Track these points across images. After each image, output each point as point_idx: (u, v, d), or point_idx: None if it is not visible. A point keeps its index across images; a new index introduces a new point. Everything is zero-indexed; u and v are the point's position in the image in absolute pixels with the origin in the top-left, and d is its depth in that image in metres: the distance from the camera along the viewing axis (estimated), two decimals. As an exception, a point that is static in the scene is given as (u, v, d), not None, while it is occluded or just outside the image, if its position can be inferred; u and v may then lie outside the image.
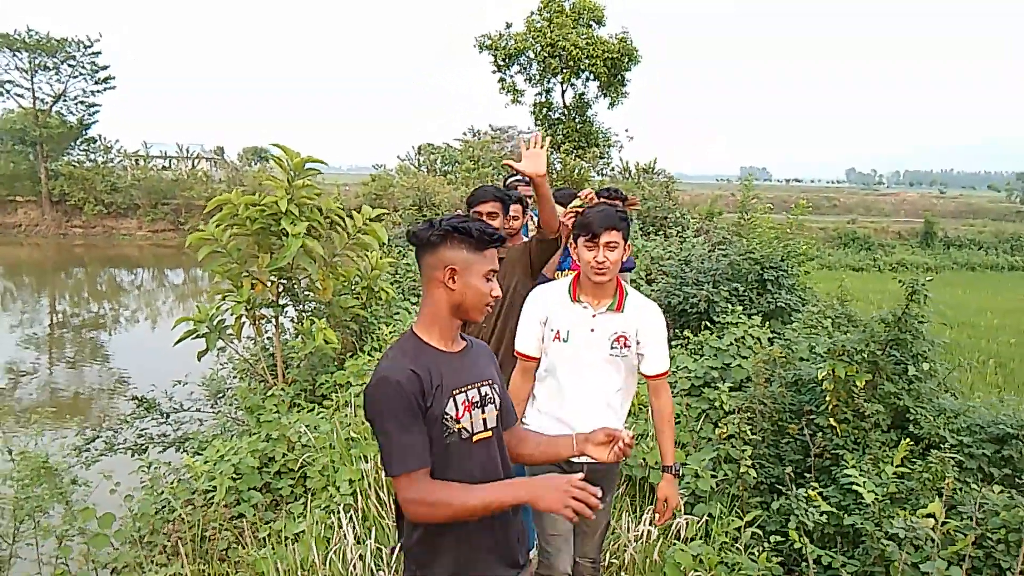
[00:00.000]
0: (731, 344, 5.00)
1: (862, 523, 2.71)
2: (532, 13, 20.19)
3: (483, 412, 1.71)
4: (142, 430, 6.43)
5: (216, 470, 4.18)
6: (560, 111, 21.16)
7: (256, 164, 47.24)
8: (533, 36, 19.75)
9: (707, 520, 3.28)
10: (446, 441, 1.61)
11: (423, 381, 1.58)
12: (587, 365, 2.37)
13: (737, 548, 2.99)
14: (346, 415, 4.69)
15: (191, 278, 25.41)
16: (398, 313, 7.53)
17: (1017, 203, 56.94)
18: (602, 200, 3.16)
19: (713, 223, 9.91)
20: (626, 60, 20.23)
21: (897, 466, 2.73)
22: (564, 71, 20.03)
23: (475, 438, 1.68)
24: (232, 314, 5.80)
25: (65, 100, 33.72)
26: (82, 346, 14.08)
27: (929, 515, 2.47)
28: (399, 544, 1.74)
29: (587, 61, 19.63)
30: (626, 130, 22.55)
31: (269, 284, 5.90)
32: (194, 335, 5.67)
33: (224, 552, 3.37)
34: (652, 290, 6.96)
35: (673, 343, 5.95)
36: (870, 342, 3.43)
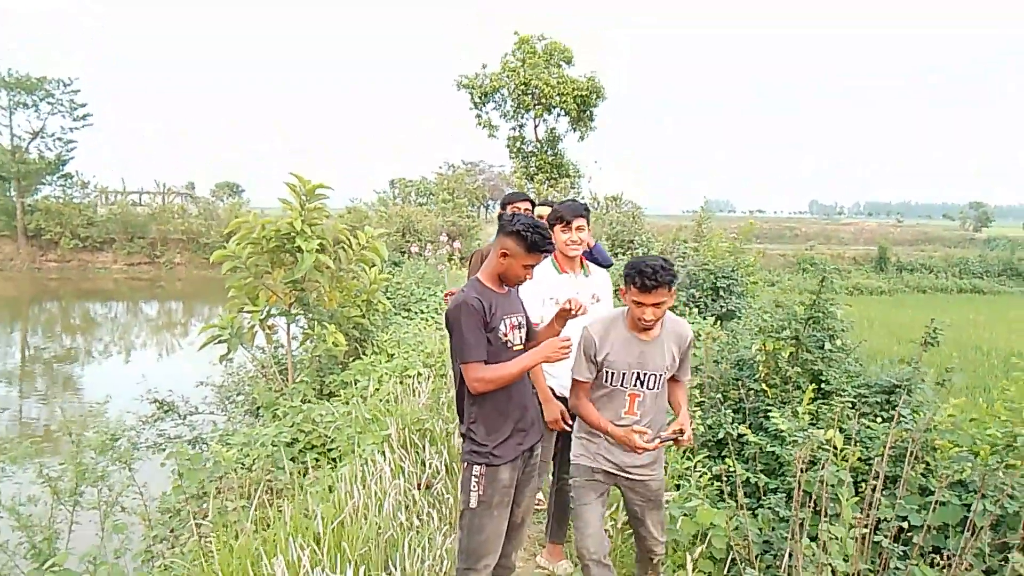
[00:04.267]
0: (687, 338, 5.86)
1: (780, 450, 3.54)
2: (506, 54, 21.40)
3: (520, 332, 2.63)
4: (161, 430, 7.01)
5: (246, 451, 4.88)
6: (533, 144, 22.22)
7: (228, 198, 47.52)
8: (508, 75, 20.89)
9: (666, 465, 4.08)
10: (498, 347, 2.54)
11: (485, 308, 2.50)
12: (576, 321, 3.20)
13: (686, 480, 3.80)
14: (362, 400, 5.40)
15: (165, 310, 25.60)
16: (393, 323, 8.26)
17: (970, 231, 59.51)
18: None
19: (675, 246, 10.83)
20: (594, 97, 21.43)
21: (806, 405, 3.57)
22: (536, 108, 21.16)
23: (514, 348, 2.59)
24: (250, 322, 6.52)
25: (43, 137, 34.03)
26: (54, 379, 13.96)
27: (828, 440, 3.31)
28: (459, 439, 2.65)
29: (558, 98, 20.78)
30: (595, 161, 23.91)
31: (283, 295, 6.64)
32: (217, 340, 6.38)
33: (269, 501, 4.06)
34: (619, 302, 7.78)
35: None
36: (791, 321, 4.31)
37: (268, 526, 3.44)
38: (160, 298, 27.63)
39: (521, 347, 2.61)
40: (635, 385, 2.76)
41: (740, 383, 4.41)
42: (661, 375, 2.77)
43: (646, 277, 2.55)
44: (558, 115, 21.82)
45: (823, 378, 4.19)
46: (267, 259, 6.58)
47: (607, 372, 2.77)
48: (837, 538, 2.68)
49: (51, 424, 10.13)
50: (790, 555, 2.94)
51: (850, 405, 3.69)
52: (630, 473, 2.83)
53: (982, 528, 2.68)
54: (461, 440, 2.65)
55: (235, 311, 6.63)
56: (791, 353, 4.27)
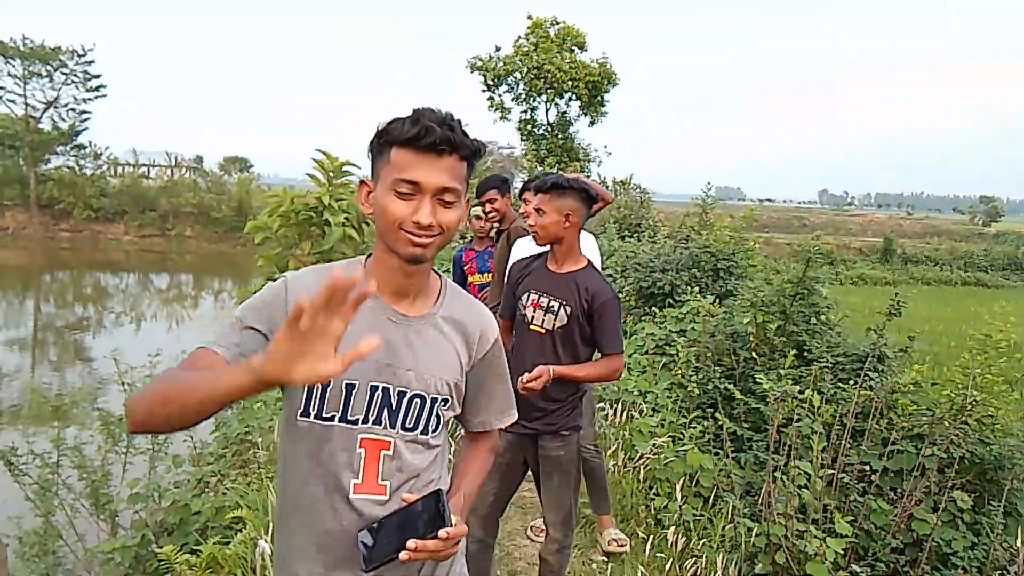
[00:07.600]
0: (687, 313, 6.32)
1: (765, 408, 4.00)
2: (519, 38, 21.66)
3: (545, 315, 2.55)
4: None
5: (280, 406, 5.36)
6: (544, 128, 22.51)
7: (237, 173, 47.49)
8: (520, 59, 21.17)
9: (664, 421, 4.56)
10: (518, 319, 2.66)
11: (519, 272, 2.71)
12: None
13: (680, 434, 4.28)
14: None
15: (175, 283, 25.99)
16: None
17: (979, 225, 59.53)
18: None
19: (681, 230, 11.23)
20: (606, 83, 21.69)
21: (788, 370, 4.03)
22: (548, 91, 21.43)
23: (531, 326, 2.59)
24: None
25: (57, 107, 34.23)
26: (65, 348, 14.08)
27: (806, 398, 3.77)
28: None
29: (570, 83, 21.05)
30: (605, 146, 24.30)
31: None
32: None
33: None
34: (626, 280, 8.26)
35: (643, 317, 7.27)
36: (780, 297, 4.76)
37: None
38: (170, 270, 27.98)
39: (540, 330, 2.55)
40: (378, 419, 1.27)
41: (733, 352, 4.88)
42: (440, 401, 1.32)
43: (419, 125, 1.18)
44: (569, 99, 22.09)
45: (807, 347, 4.64)
46: (296, 231, 7.03)
47: (317, 392, 1.24)
48: (807, 474, 3.14)
49: (63, 392, 10.32)
50: (768, 493, 3.41)
51: (828, 370, 4.14)
52: None
53: (930, 469, 3.14)
54: None
55: (264, 279, 7.09)
56: (779, 326, 4.72)
